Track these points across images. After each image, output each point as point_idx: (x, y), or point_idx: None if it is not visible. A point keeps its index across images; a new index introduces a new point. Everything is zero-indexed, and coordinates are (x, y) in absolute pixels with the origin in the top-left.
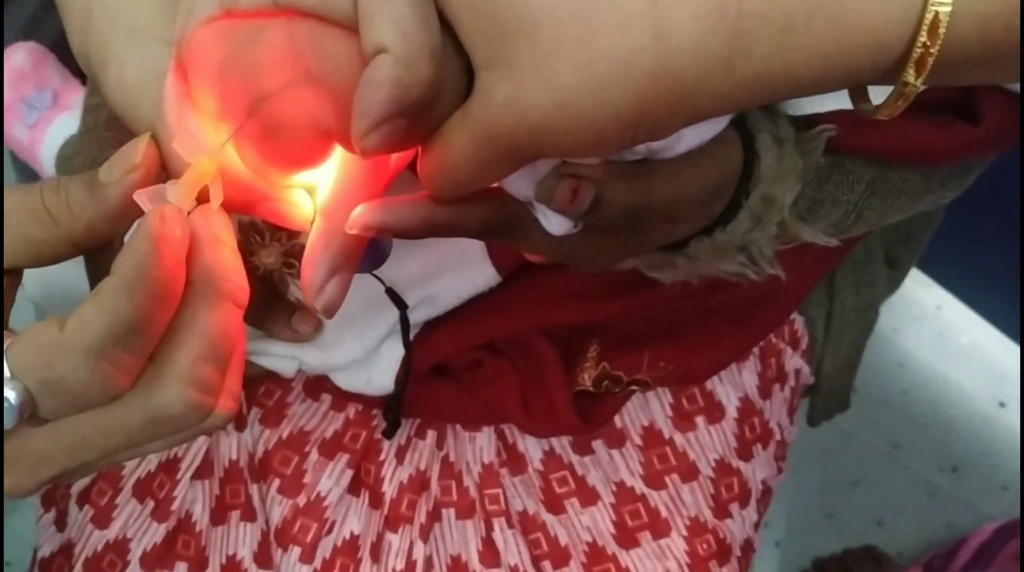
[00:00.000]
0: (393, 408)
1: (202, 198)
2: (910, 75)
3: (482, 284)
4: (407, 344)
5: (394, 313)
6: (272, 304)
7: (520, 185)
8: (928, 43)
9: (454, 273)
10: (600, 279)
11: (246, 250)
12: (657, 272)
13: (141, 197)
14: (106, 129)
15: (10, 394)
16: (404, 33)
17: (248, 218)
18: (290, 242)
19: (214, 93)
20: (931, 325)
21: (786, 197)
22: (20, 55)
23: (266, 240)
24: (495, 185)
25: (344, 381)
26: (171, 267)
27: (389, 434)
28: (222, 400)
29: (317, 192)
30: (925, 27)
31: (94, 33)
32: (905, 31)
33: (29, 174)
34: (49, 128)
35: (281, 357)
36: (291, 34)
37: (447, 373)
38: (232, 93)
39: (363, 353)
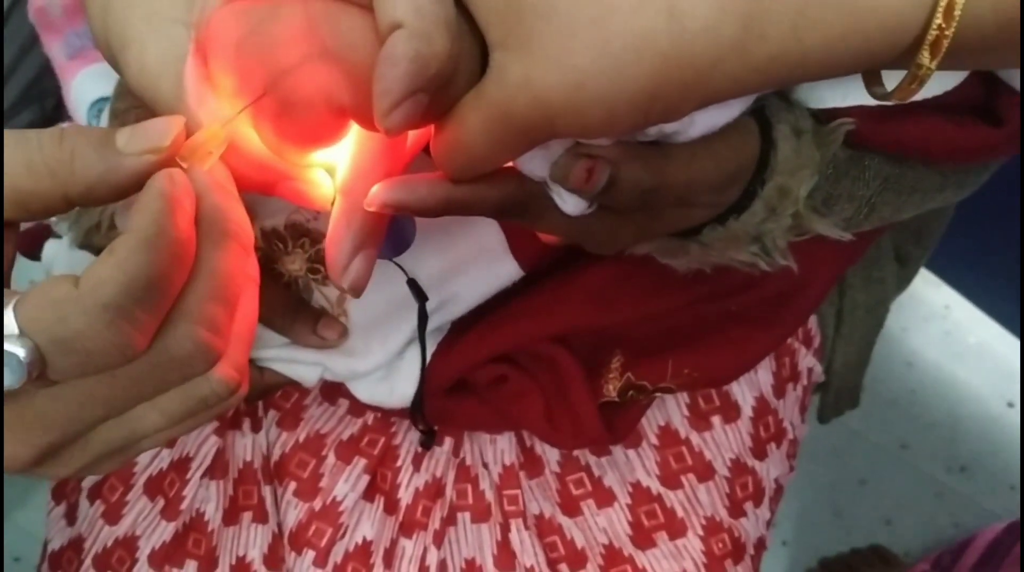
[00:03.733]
0: (416, 413)
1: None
2: (925, 58)
3: (505, 278)
4: (423, 340)
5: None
6: (297, 311)
7: (535, 165)
8: (943, 25)
9: (476, 270)
10: (620, 283)
11: (270, 258)
12: (671, 258)
13: None
14: None
15: (19, 351)
16: (418, 7)
17: (271, 226)
18: (313, 248)
19: (232, 72)
20: (939, 325)
21: (801, 189)
22: None
23: (289, 247)
24: (510, 164)
25: (365, 393)
26: (185, 226)
27: (428, 444)
28: (225, 369)
29: (336, 171)
30: (940, 9)
31: (114, 17)
32: (920, 13)
33: None
34: (83, 71)
35: (306, 364)
36: (307, 12)
37: (470, 388)
38: (250, 71)
39: (387, 358)
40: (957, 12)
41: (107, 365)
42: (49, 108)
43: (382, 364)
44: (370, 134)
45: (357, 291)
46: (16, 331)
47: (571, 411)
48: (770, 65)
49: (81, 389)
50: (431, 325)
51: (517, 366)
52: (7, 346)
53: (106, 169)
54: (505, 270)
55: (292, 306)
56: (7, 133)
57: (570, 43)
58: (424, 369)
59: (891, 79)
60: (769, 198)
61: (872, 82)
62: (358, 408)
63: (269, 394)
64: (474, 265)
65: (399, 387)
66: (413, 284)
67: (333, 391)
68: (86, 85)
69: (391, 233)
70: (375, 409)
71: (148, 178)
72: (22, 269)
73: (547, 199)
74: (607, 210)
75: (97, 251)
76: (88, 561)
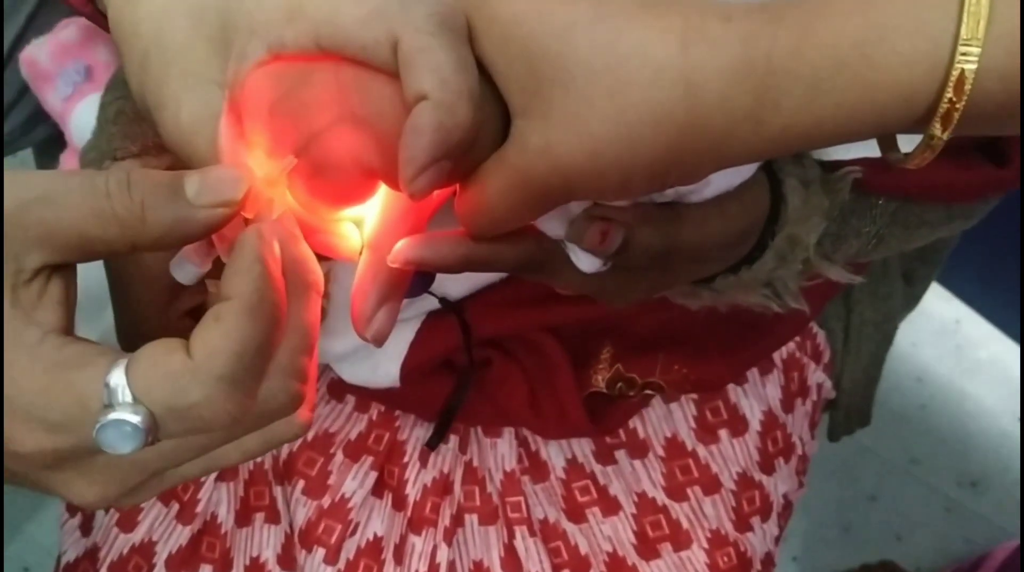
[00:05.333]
0: (445, 423)
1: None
2: (936, 129)
3: (494, 276)
4: (470, 359)
5: None
6: None
7: (552, 225)
8: (954, 99)
9: None
10: None
11: None
12: (684, 299)
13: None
14: (114, 123)
15: (134, 418)
16: (443, 79)
17: None
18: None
19: (266, 132)
20: (950, 339)
21: (811, 237)
22: (70, 30)
23: None
24: (529, 224)
25: (348, 373)
26: (281, 288)
27: (433, 444)
28: (305, 412)
29: (364, 225)
30: (951, 84)
31: (151, 76)
32: (931, 87)
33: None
34: (81, 102)
35: None
36: (338, 79)
37: (455, 371)
38: (283, 132)
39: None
40: (967, 87)
41: (218, 428)
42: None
43: (361, 345)
44: (396, 194)
45: (380, 342)
46: (131, 399)
47: (556, 399)
48: (784, 134)
49: (181, 440)
50: (412, 312)
51: (502, 350)
52: (124, 414)
53: (176, 221)
54: None
55: None
56: (72, 172)
57: (588, 113)
58: (465, 388)
59: (906, 143)
60: (780, 248)
61: (887, 147)
62: (364, 404)
63: None
64: None
65: (383, 366)
66: (446, 302)
67: (340, 388)
68: (85, 115)
69: (417, 273)
70: (380, 402)
71: (218, 228)
72: None
73: (563, 257)
74: (621, 268)
75: None
76: (103, 570)
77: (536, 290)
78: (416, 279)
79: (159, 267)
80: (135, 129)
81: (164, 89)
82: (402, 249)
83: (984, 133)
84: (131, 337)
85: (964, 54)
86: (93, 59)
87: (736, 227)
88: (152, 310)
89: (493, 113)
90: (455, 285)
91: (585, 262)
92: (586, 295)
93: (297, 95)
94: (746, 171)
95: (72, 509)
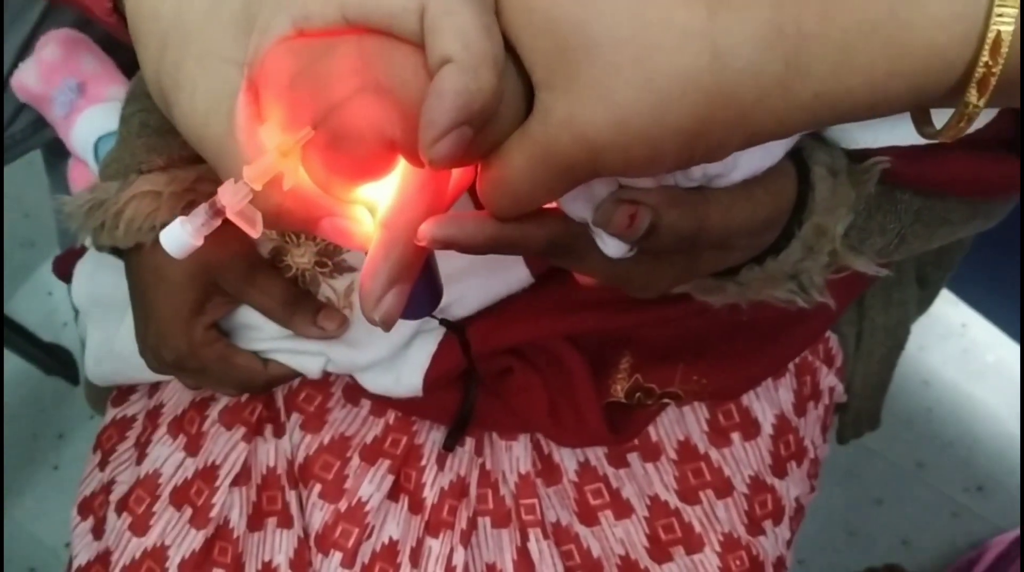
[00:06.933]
0: (460, 426)
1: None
2: (972, 95)
3: (515, 284)
4: (475, 375)
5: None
6: (298, 303)
7: (577, 207)
8: (990, 62)
9: (487, 273)
10: None
11: (280, 250)
12: (708, 296)
13: (226, 192)
14: (137, 136)
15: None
16: (468, 43)
17: None
18: (324, 242)
19: (285, 106)
20: (956, 343)
21: (838, 227)
22: (50, 47)
23: (300, 240)
24: (555, 206)
25: (371, 382)
26: None
27: (451, 446)
28: None
29: (377, 210)
30: (987, 46)
31: (169, 58)
32: (966, 51)
33: (61, 173)
34: (78, 119)
35: (308, 355)
36: (361, 49)
37: (477, 379)
38: (303, 105)
39: (390, 351)
40: (1004, 50)
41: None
42: None
43: (384, 357)
44: (414, 171)
45: (388, 325)
46: None
47: (575, 408)
48: (814, 103)
49: None
50: (434, 323)
51: (523, 359)
52: None
53: None
54: (516, 276)
55: (292, 298)
56: None
57: (613, 81)
58: (475, 394)
59: (938, 117)
60: (807, 238)
61: (921, 121)
62: (380, 408)
63: (275, 385)
64: (485, 268)
65: (405, 376)
66: (447, 323)
67: (355, 392)
68: (85, 128)
69: (423, 289)
70: (396, 407)
71: None
72: (30, 284)
73: (589, 241)
74: (647, 254)
75: (110, 250)
76: None
77: (556, 299)
78: (422, 298)
79: (182, 280)
80: (161, 142)
81: (181, 70)
82: (429, 227)
83: (1020, 103)
84: (154, 348)
85: (1000, 15)
86: (81, 73)
87: (763, 213)
88: (175, 323)
89: (515, 90)
90: (461, 305)
91: (612, 247)
92: (607, 297)
93: (318, 66)
94: (774, 153)
95: (84, 513)
